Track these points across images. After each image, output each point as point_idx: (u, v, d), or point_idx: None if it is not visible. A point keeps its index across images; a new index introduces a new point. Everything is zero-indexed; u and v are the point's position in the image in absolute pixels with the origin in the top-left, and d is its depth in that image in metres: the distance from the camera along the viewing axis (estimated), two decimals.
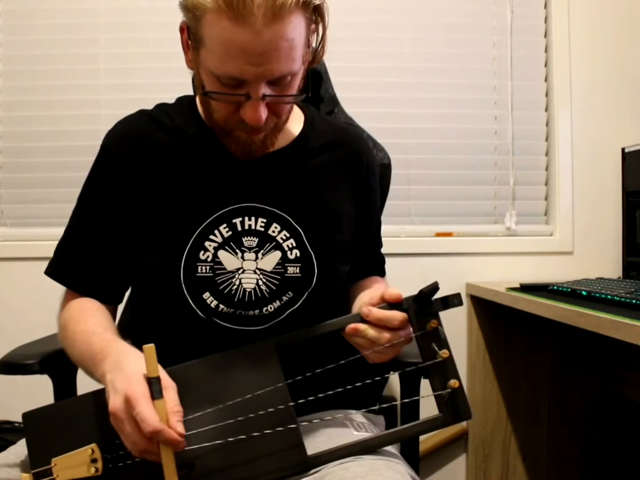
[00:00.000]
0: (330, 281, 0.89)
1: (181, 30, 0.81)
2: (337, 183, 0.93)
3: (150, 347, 0.67)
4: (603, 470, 1.76)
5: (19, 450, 0.80)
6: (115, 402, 0.66)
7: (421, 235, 1.80)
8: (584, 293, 1.24)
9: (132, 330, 0.89)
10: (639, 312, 1.00)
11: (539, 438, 1.76)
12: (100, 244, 0.89)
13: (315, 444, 0.77)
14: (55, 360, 1.02)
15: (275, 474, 0.71)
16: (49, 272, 0.91)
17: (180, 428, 0.65)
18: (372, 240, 1.02)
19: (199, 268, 0.84)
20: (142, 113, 0.94)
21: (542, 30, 1.84)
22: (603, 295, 1.17)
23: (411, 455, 0.98)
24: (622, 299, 1.11)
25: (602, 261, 1.80)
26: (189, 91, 1.09)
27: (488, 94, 1.84)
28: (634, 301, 1.06)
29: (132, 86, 1.75)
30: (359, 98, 1.76)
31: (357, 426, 0.84)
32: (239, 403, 0.72)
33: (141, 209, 0.87)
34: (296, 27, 0.74)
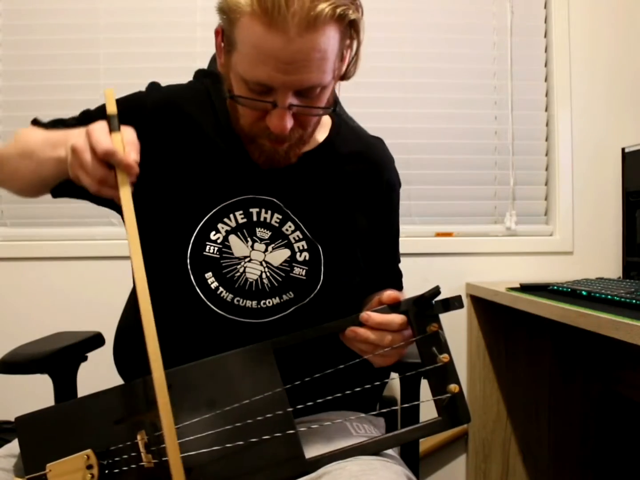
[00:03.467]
0: (335, 290, 0.88)
1: (216, 33, 0.82)
2: (355, 194, 0.93)
3: (109, 90, 0.73)
4: (603, 470, 1.76)
5: (12, 445, 0.80)
6: (77, 140, 0.71)
7: (421, 235, 1.80)
8: (584, 293, 1.24)
9: (133, 311, 0.88)
10: (639, 312, 1.00)
11: (539, 438, 1.76)
12: None
13: (314, 445, 0.77)
14: (55, 360, 1.02)
15: None
16: (36, 120, 0.95)
17: (134, 156, 0.70)
18: (389, 256, 1.02)
19: (207, 247, 0.84)
20: (191, 86, 0.97)
21: (542, 30, 1.84)
22: (603, 295, 1.17)
23: (411, 455, 0.98)
24: (622, 299, 1.11)
25: (602, 261, 1.80)
26: None
27: (488, 94, 1.84)
28: (634, 301, 1.06)
29: (132, 86, 1.74)
30: (359, 98, 1.76)
31: (357, 428, 0.84)
32: (237, 408, 0.72)
33: (161, 177, 0.87)
34: (329, 39, 0.73)
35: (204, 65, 1.16)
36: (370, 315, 0.75)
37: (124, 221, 0.70)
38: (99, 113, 0.91)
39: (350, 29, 0.77)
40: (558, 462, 1.76)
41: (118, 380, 0.95)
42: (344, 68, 0.82)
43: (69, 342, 1.07)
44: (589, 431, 1.76)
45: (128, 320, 1.04)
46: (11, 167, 0.91)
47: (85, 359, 1.10)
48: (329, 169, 0.92)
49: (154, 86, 0.95)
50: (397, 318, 0.74)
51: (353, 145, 0.95)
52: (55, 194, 0.93)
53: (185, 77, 1.12)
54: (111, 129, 0.72)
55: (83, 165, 0.70)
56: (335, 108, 0.83)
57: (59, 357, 1.03)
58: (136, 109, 0.91)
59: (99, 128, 0.71)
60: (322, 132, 0.93)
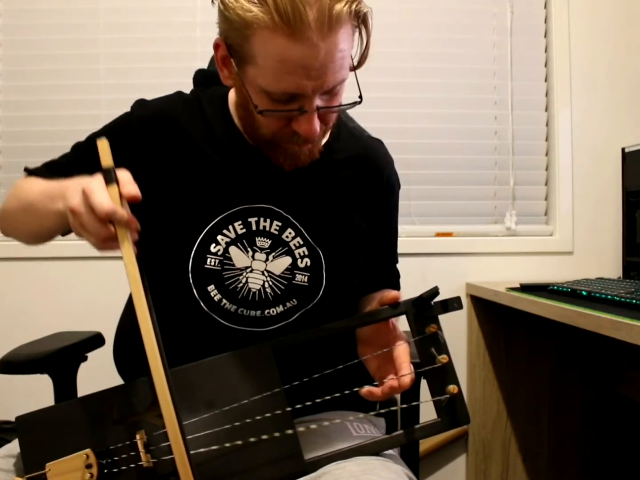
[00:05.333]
0: (338, 295, 0.88)
1: (216, 47, 0.80)
2: (355, 198, 0.93)
3: (103, 140, 0.69)
4: (603, 470, 1.76)
5: (12, 446, 0.80)
6: (73, 200, 0.68)
7: (421, 235, 1.80)
8: (584, 293, 1.24)
9: (134, 323, 0.89)
10: (639, 312, 1.00)
11: (539, 438, 1.76)
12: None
13: (314, 445, 0.77)
14: (55, 360, 1.02)
15: None
16: (30, 170, 0.94)
17: (134, 191, 0.68)
18: (387, 257, 1.02)
19: (208, 260, 0.84)
20: (179, 97, 0.94)
21: (542, 30, 1.85)
22: (603, 295, 1.17)
23: (411, 455, 0.98)
24: (622, 299, 1.11)
25: (602, 261, 1.80)
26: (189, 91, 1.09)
27: (488, 94, 1.84)
28: (634, 301, 1.06)
29: (132, 86, 1.75)
30: None
31: (357, 428, 0.84)
32: (235, 408, 0.72)
33: (157, 192, 0.86)
34: (347, 36, 0.74)
35: (204, 65, 1.16)
36: (374, 393, 0.74)
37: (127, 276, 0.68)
38: (90, 145, 0.89)
39: (359, 20, 0.77)
40: (558, 462, 1.76)
41: (118, 380, 0.95)
42: (356, 58, 0.82)
43: (69, 342, 1.07)
44: (589, 431, 1.76)
45: (128, 320, 1.04)
46: (14, 220, 0.92)
47: (85, 359, 1.10)
48: (328, 172, 0.91)
49: (140, 102, 0.93)
50: (403, 385, 0.73)
51: (352, 148, 0.95)
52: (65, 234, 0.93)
53: (184, 77, 1.12)
54: (107, 182, 0.68)
55: (84, 227, 0.68)
56: (361, 99, 0.83)
57: (59, 357, 1.03)
58: (125, 131, 0.90)
59: (96, 187, 0.67)
60: None
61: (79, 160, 0.91)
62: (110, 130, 0.92)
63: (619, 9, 1.81)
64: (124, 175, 0.70)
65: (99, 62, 1.76)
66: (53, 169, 0.93)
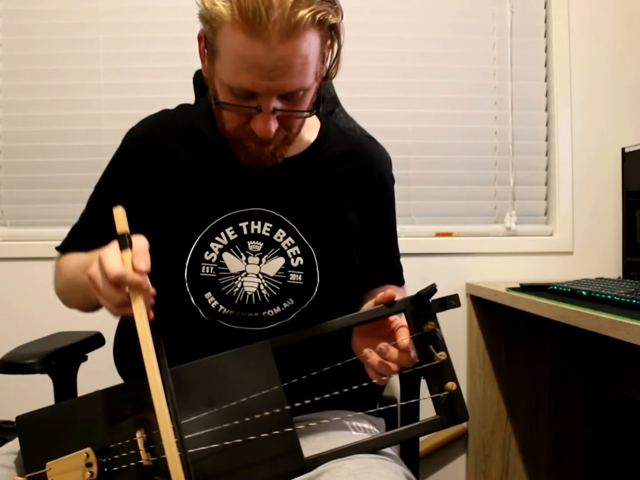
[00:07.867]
0: (333, 291, 0.89)
1: (199, 38, 0.83)
2: (346, 195, 0.93)
3: (118, 208, 0.71)
4: (603, 470, 1.76)
5: (14, 443, 0.80)
6: (92, 267, 0.71)
7: (421, 235, 1.80)
8: (584, 293, 1.24)
9: (133, 330, 0.89)
10: (639, 312, 1.00)
11: (539, 438, 1.76)
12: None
13: (313, 443, 0.77)
14: (55, 360, 1.02)
15: (272, 479, 0.71)
16: (60, 247, 0.97)
17: (143, 266, 0.68)
18: (386, 253, 1.02)
19: (203, 268, 0.85)
20: (164, 114, 0.97)
21: (542, 30, 1.84)
22: (603, 295, 1.17)
23: (411, 455, 0.98)
24: (622, 299, 1.11)
25: (602, 261, 1.80)
26: (189, 91, 1.09)
27: (488, 94, 1.84)
28: (634, 301, 1.06)
29: (132, 86, 1.75)
30: (359, 98, 1.76)
31: (356, 427, 0.84)
32: (235, 406, 0.72)
33: (152, 208, 0.89)
34: (310, 44, 0.75)
35: None
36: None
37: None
38: (100, 195, 0.97)
39: (331, 32, 0.79)
40: (558, 461, 1.76)
41: (118, 380, 0.95)
42: (325, 69, 0.83)
43: (69, 342, 1.07)
44: (588, 431, 1.76)
45: (128, 320, 1.04)
46: (68, 298, 0.96)
47: (85, 359, 1.10)
48: (318, 170, 0.92)
49: (128, 132, 0.97)
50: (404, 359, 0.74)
51: (342, 145, 0.96)
52: None
53: (184, 77, 1.12)
54: (122, 248, 0.70)
55: (99, 292, 0.70)
56: (318, 110, 0.85)
57: (59, 357, 1.03)
58: (121, 160, 0.95)
59: (110, 252, 0.69)
60: (310, 135, 0.94)
61: (97, 215, 0.96)
62: (111, 169, 0.97)
63: (619, 9, 1.81)
64: (138, 242, 0.71)
65: (99, 62, 1.76)
66: (78, 235, 0.97)
